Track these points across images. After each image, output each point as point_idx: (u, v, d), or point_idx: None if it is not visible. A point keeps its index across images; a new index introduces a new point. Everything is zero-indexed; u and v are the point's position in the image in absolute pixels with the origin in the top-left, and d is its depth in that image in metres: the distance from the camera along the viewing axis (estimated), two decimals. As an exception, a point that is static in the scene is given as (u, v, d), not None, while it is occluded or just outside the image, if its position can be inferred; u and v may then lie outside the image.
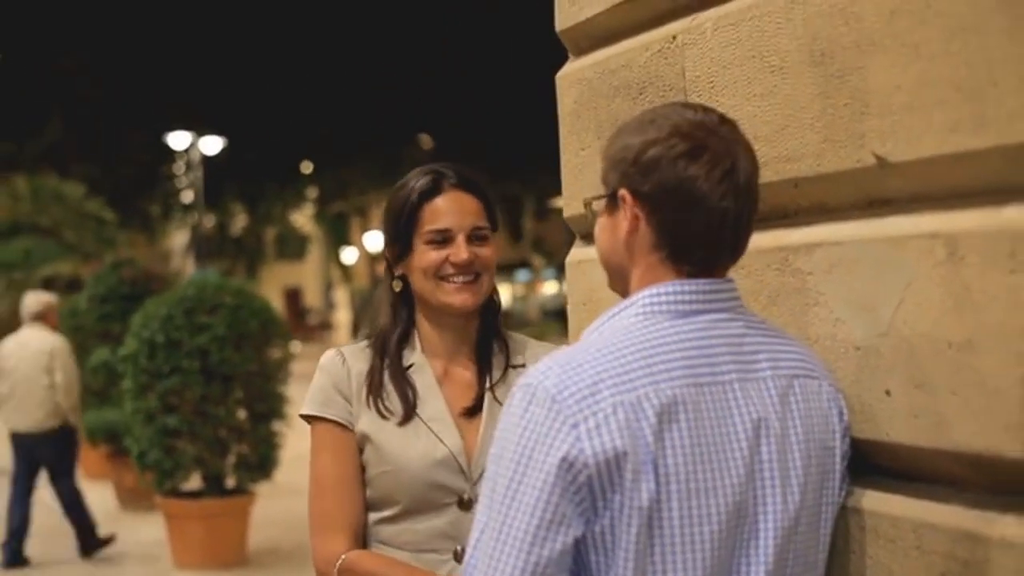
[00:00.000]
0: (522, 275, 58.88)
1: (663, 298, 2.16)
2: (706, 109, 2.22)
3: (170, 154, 38.04)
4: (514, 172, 36.81)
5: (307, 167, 42.37)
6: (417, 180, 3.05)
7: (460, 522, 2.86)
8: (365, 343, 3.10)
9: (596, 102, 3.15)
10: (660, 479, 2.01)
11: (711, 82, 2.70)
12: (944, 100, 2.07)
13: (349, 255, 60.90)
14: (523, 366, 3.01)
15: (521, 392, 2.09)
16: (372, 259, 54.15)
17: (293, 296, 64.78)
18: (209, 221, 43.96)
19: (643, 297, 2.17)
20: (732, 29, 2.62)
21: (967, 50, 2.02)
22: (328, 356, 3.08)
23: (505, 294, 54.80)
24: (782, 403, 2.16)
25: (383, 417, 2.94)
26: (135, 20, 33.12)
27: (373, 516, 2.97)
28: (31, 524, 10.99)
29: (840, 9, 2.30)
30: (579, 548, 2.03)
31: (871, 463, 2.33)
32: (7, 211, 28.79)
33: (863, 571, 2.30)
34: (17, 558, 10.83)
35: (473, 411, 2.98)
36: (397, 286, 3.08)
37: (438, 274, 2.98)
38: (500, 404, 2.87)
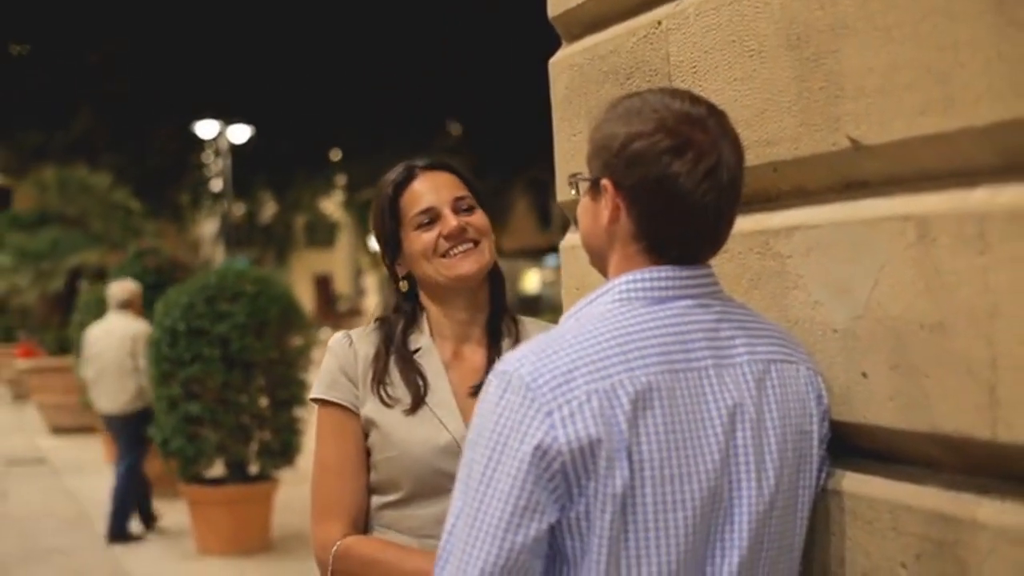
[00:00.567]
0: (551, 260, 58.77)
1: (639, 284, 2.16)
2: (694, 99, 2.20)
3: (198, 143, 38.09)
4: (542, 158, 36.73)
5: (336, 154, 42.35)
6: (390, 177, 3.09)
7: None
8: (373, 326, 3.10)
9: (586, 88, 3.16)
10: (634, 466, 2.02)
11: (694, 67, 2.71)
12: (914, 83, 2.07)
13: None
14: None
15: (497, 379, 2.10)
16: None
17: (323, 283, 64.90)
18: (238, 210, 44.03)
19: (620, 283, 2.18)
20: (713, 14, 2.62)
21: (936, 33, 2.02)
22: (336, 339, 3.08)
23: (534, 279, 54.80)
24: (758, 388, 2.17)
25: (387, 405, 2.94)
26: (163, 11, 33.18)
27: (378, 500, 2.98)
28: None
29: (816, -8, 2.30)
30: (555, 534, 2.05)
31: (850, 445, 2.34)
32: (35, 202, 28.95)
33: (842, 553, 2.31)
34: (123, 533, 11.15)
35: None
36: (404, 287, 3.09)
37: (437, 252, 2.99)
38: None
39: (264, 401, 10.35)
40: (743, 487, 2.12)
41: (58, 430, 19.38)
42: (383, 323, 3.09)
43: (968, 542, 2.01)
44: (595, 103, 3.09)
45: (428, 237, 2.99)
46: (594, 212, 2.26)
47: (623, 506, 2.02)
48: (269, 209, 47.19)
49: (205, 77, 34.34)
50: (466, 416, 2.91)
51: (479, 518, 2.02)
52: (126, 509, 11.16)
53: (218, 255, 40.59)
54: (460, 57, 33.11)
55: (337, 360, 3.02)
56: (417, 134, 37.57)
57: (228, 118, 34.78)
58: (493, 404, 2.08)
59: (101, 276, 18.26)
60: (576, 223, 3.32)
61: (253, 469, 10.53)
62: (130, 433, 11.10)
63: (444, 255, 2.98)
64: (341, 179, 45.47)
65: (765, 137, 2.48)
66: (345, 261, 66.99)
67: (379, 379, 2.97)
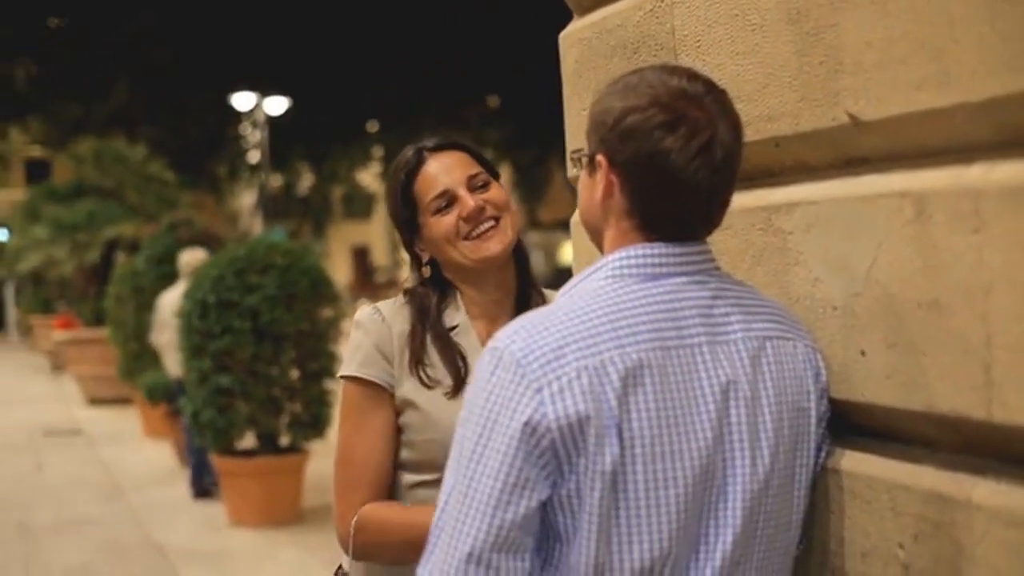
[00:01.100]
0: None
1: (632, 261, 2.15)
2: (692, 76, 2.17)
3: (236, 115, 38.19)
4: (580, 131, 36.55)
5: (373, 126, 42.37)
6: (400, 162, 3.06)
7: None
8: (403, 300, 3.03)
9: (595, 62, 3.13)
10: (625, 443, 2.01)
11: (698, 41, 2.68)
12: (910, 57, 2.04)
13: (416, 213, 60.81)
14: None
15: (489, 355, 2.10)
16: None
17: (360, 255, 65.02)
18: (276, 181, 44.13)
19: (613, 260, 2.17)
20: (716, -13, 2.59)
21: (931, 7, 1.99)
22: (366, 314, 3.01)
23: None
24: (753, 365, 2.15)
25: (427, 387, 2.89)
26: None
27: (412, 478, 2.93)
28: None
29: (814, -35, 2.28)
30: (547, 511, 2.04)
31: (850, 423, 2.32)
32: (72, 174, 29.06)
33: (842, 532, 2.29)
34: (205, 490, 11.42)
35: None
36: (427, 272, 3.05)
37: (459, 235, 2.94)
38: None
39: (294, 373, 10.37)
40: (737, 465, 2.11)
41: (95, 401, 19.51)
42: (413, 296, 3.03)
43: (963, 523, 1.99)
44: (604, 77, 3.06)
45: (448, 221, 2.95)
46: (590, 188, 2.25)
47: (613, 483, 2.01)
48: (306, 181, 47.29)
49: (242, 49, 34.41)
50: None
51: (469, 495, 2.02)
52: (203, 466, 11.31)
53: (256, 227, 40.68)
54: (498, 28, 33.04)
55: (371, 337, 2.95)
56: (454, 105, 37.56)
57: (265, 90, 34.83)
58: (484, 380, 2.07)
59: (137, 248, 18.31)
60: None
61: (284, 441, 10.57)
62: None
63: (466, 237, 2.94)
64: (378, 150, 45.48)
65: (767, 112, 2.46)
66: (383, 232, 66.95)
67: (417, 359, 2.92)
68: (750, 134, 2.48)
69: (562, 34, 3.35)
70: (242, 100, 35.28)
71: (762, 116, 2.47)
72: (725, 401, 2.10)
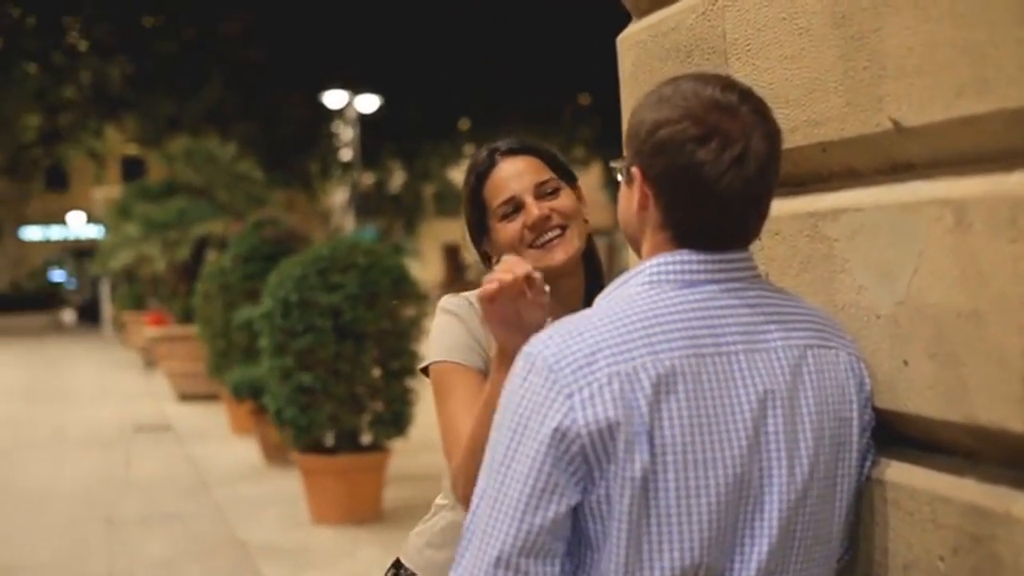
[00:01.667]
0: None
1: (670, 267, 2.13)
2: (727, 85, 2.16)
3: (327, 113, 38.43)
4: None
5: (464, 124, 42.46)
6: (473, 164, 3.05)
7: None
8: None
9: (651, 65, 3.11)
10: (656, 450, 2.00)
11: (748, 45, 2.65)
12: (950, 63, 2.01)
13: (507, 211, 60.90)
14: None
15: (522, 360, 2.10)
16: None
17: (452, 252, 65.14)
18: (368, 179, 44.36)
19: (651, 266, 2.16)
20: (765, -10, 2.57)
21: (970, 11, 1.96)
22: (453, 302, 2.99)
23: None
24: (793, 374, 2.12)
25: None
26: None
27: None
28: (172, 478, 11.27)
29: (859, -31, 2.25)
30: (578, 517, 2.04)
31: (895, 434, 2.29)
32: (165, 172, 29.42)
33: (885, 543, 2.26)
34: None
35: None
36: None
37: (523, 243, 2.93)
38: None
39: (376, 372, 10.41)
40: (774, 474, 2.08)
41: (185, 397, 19.71)
42: None
43: (1003, 537, 1.96)
44: (658, 81, 3.04)
45: (513, 228, 2.94)
46: (628, 198, 2.24)
47: (644, 490, 2.00)
48: (398, 178, 47.45)
49: (334, 47, 34.62)
50: None
51: (499, 499, 2.02)
52: None
53: (348, 224, 40.92)
54: (590, 25, 33.01)
55: (463, 323, 2.92)
56: (546, 103, 37.54)
57: (357, 88, 35.03)
58: (517, 385, 2.08)
59: (225, 246, 18.49)
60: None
61: (365, 439, 10.61)
62: None
63: (531, 245, 2.93)
64: (470, 148, 45.51)
65: (813, 117, 2.43)
66: (474, 230, 67.00)
67: None
68: (798, 139, 2.46)
69: (620, 37, 3.34)
70: (334, 98, 35.49)
71: (809, 121, 2.44)
72: (762, 410, 2.08)
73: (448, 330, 2.93)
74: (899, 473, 2.24)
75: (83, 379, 24.46)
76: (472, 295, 2.98)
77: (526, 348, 2.11)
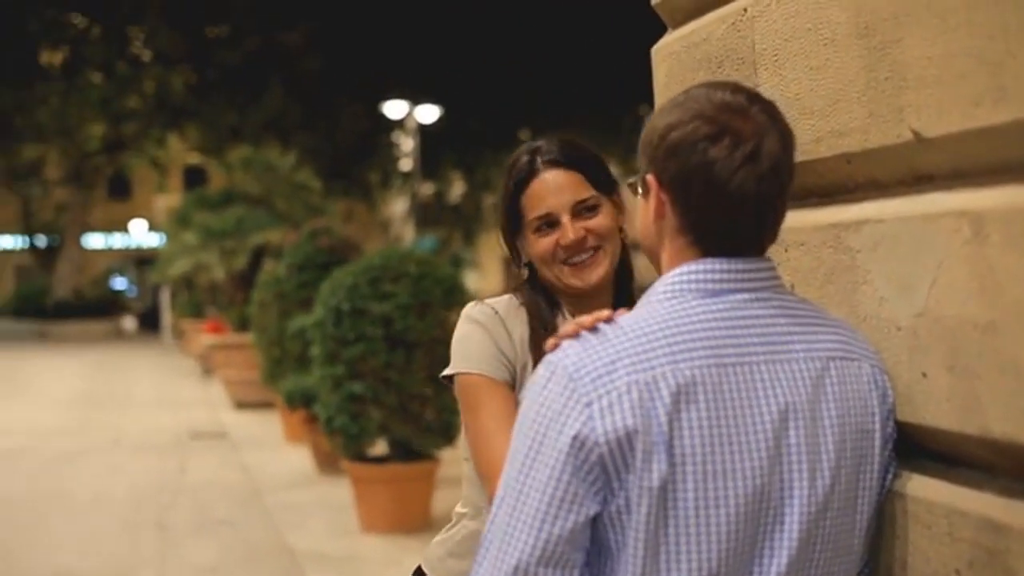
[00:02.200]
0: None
1: (693, 277, 2.13)
2: (737, 89, 2.16)
3: (387, 123, 38.59)
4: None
5: (525, 134, 42.50)
6: (514, 165, 3.00)
7: None
8: (516, 302, 2.98)
9: (683, 75, 3.11)
10: (675, 460, 1.99)
11: (776, 55, 2.65)
12: (968, 73, 2.00)
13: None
14: None
15: (544, 368, 2.10)
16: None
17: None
18: (428, 189, 44.48)
19: (674, 275, 2.15)
20: (792, 1, 2.56)
21: (987, 20, 1.94)
22: (483, 312, 2.95)
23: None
24: (815, 385, 2.11)
25: None
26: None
27: None
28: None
29: (881, -21, 2.24)
30: (598, 526, 2.03)
31: (914, 446, 2.28)
32: (225, 181, 29.61)
33: (905, 556, 2.24)
34: None
35: None
36: (525, 274, 3.03)
37: (556, 260, 2.92)
38: None
39: (426, 380, 10.41)
40: (795, 486, 2.07)
41: (241, 405, 19.78)
42: (530, 304, 2.98)
43: (1017, 551, 1.94)
44: (690, 91, 3.04)
45: (546, 243, 2.92)
46: (645, 210, 2.23)
47: (662, 500, 1.99)
48: (458, 189, 47.55)
49: (394, 58, 34.76)
50: None
51: (518, 508, 2.02)
52: None
53: (408, 234, 41.05)
54: (649, 37, 32.87)
55: (488, 334, 2.90)
56: (605, 114, 37.54)
57: (417, 98, 35.14)
58: (537, 393, 2.08)
59: (280, 255, 18.58)
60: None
61: (415, 448, 10.62)
62: None
63: (563, 262, 2.92)
64: (530, 159, 45.54)
65: (838, 128, 2.42)
66: (534, 241, 66.95)
67: None
68: (823, 150, 2.46)
69: (654, 48, 3.33)
70: (394, 108, 35.63)
71: (833, 132, 2.43)
72: (784, 421, 2.07)
73: (474, 340, 2.91)
74: (918, 486, 2.22)
75: (141, 386, 24.61)
76: (497, 303, 2.97)
77: (548, 356, 2.12)
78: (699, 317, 2.09)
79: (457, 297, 10.51)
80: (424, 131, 37.27)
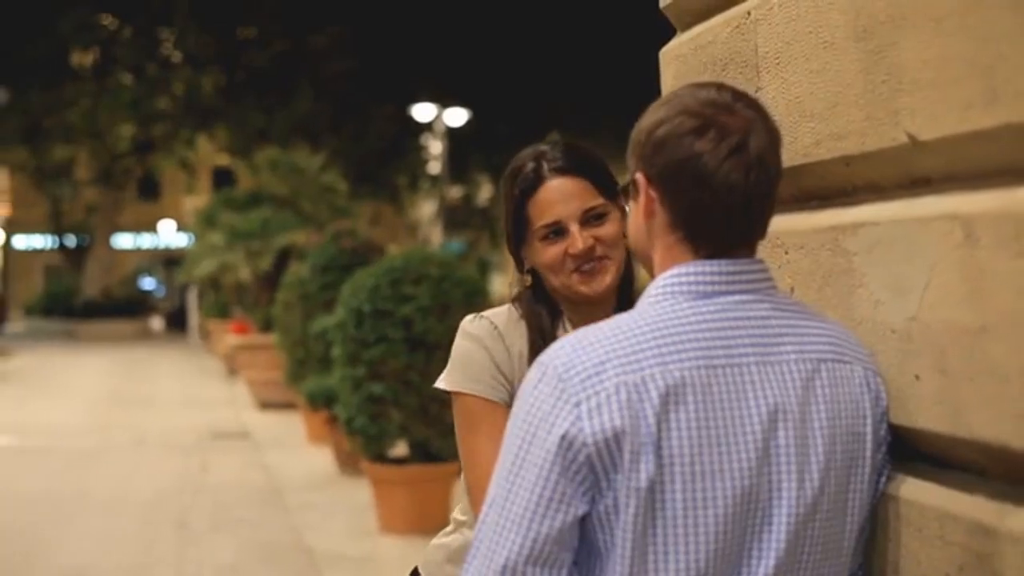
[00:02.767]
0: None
1: (685, 279, 2.13)
2: (721, 87, 2.19)
3: (416, 126, 38.61)
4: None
5: (553, 139, 42.48)
6: (520, 171, 2.97)
7: None
8: (515, 315, 2.97)
9: (690, 77, 3.10)
10: (663, 460, 2.00)
11: (778, 58, 2.65)
12: (960, 76, 2.00)
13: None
14: None
15: (535, 369, 2.11)
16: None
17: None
18: (456, 192, 44.47)
19: (665, 277, 2.16)
20: (794, 4, 2.56)
21: (980, 24, 1.94)
22: (482, 327, 2.94)
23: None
24: (805, 387, 2.11)
25: None
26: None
27: None
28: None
29: (878, -18, 2.24)
30: (587, 527, 2.04)
31: (908, 449, 2.28)
32: (252, 183, 29.66)
33: (897, 560, 2.24)
34: None
35: None
36: (527, 281, 3.01)
37: (563, 269, 2.89)
38: None
39: (447, 383, 10.40)
40: (783, 488, 2.07)
41: (265, 405, 19.81)
42: (530, 316, 2.96)
43: (1004, 555, 1.94)
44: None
45: (554, 251, 2.90)
46: (635, 212, 2.24)
47: (650, 500, 2.00)
48: (486, 192, 47.52)
49: (423, 60, 34.80)
50: None
51: (507, 507, 2.04)
52: None
53: (436, 237, 41.05)
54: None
55: (487, 351, 2.89)
56: (636, 118, 37.51)
57: (445, 101, 35.15)
58: (528, 394, 2.09)
59: (304, 257, 18.61)
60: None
61: (435, 450, 10.62)
62: None
63: (572, 271, 2.90)
64: (558, 162, 45.49)
65: (836, 131, 2.42)
66: (561, 245, 66.85)
67: None
68: (822, 153, 2.46)
69: (663, 51, 3.33)
70: (423, 111, 35.64)
71: (832, 135, 2.43)
72: (773, 422, 2.07)
73: (472, 358, 2.90)
74: (910, 489, 2.22)
75: (167, 386, 24.71)
76: (497, 316, 2.97)
77: (540, 357, 2.13)
78: (689, 319, 2.09)
79: (478, 300, 10.50)
80: (452, 134, 37.25)
